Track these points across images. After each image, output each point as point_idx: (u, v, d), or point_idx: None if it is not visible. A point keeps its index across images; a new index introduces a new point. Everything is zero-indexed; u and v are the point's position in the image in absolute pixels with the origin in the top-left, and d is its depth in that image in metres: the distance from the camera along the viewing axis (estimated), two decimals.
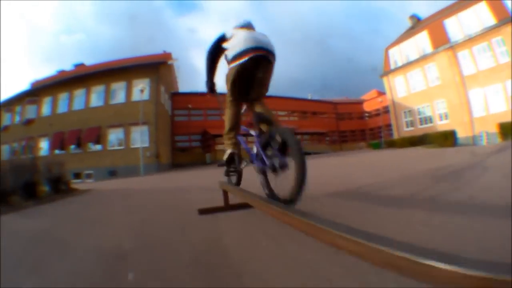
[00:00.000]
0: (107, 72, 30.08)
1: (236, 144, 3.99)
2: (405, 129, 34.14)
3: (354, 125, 50.52)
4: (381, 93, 46.32)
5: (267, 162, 3.19)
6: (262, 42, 3.62)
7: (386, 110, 40.87)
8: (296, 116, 47.43)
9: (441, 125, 28.87)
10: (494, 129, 23.34)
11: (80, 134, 29.07)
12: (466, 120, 26.96)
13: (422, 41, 31.94)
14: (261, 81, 3.72)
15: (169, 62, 35.56)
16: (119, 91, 29.72)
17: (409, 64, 33.24)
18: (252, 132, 3.77)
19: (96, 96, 30.10)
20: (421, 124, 32.16)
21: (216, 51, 4.03)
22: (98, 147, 29.09)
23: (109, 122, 28.66)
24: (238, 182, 4.26)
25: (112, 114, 28.54)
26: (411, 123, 33.56)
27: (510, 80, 23.91)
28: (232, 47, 3.65)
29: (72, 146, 29.40)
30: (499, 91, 25.07)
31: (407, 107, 33.79)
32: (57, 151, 29.25)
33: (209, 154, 38.71)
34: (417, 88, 32.59)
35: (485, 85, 25.92)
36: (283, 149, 2.95)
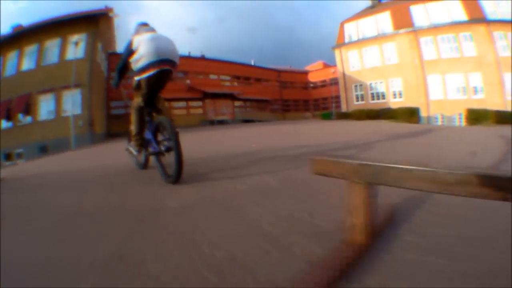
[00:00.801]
0: (42, 28, 26.42)
1: (142, 145, 4.84)
2: (355, 102, 36.04)
3: (298, 95, 51.78)
4: (328, 65, 48.15)
5: (157, 146, 4.28)
6: (168, 53, 4.20)
7: (332, 82, 42.59)
8: (240, 82, 47.21)
9: (395, 102, 31.18)
10: (450, 113, 26.21)
11: (10, 104, 25.58)
12: (423, 101, 29.41)
13: (383, 21, 33.90)
14: (163, 86, 4.50)
15: (110, 14, 31.92)
16: (52, 50, 26.30)
17: (366, 40, 35.04)
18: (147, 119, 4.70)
19: (28, 59, 26.46)
20: (373, 99, 34.21)
21: (125, 65, 4.73)
22: (28, 119, 25.80)
23: (40, 87, 25.50)
24: (146, 166, 5.27)
25: (43, 78, 25.27)
26: (362, 97, 35.49)
27: (473, 73, 26.79)
28: (139, 58, 4.09)
29: (3, 121, 25.77)
30: (460, 80, 27.77)
31: (358, 81, 35.67)
32: None
33: None
34: (372, 64, 34.52)
35: (445, 72, 28.56)
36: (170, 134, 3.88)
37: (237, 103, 44.23)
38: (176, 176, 3.72)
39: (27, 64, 26.00)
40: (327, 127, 16.23)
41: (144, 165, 5.26)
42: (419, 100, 29.47)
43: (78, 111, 23.33)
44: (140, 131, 4.82)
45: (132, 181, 4.61)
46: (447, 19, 28.95)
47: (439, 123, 28.12)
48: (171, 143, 3.83)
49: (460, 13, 28.49)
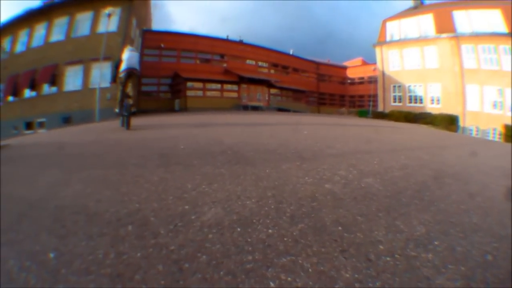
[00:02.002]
0: (74, 1, 27.69)
1: (122, 107, 11.59)
2: (392, 103, 37.13)
3: (335, 89, 52.65)
4: (366, 62, 49.08)
5: (126, 113, 11.27)
6: (131, 64, 11.32)
7: (371, 80, 43.59)
8: (277, 70, 48.11)
9: (432, 108, 32.21)
10: (485, 126, 27.48)
11: (35, 75, 26.77)
12: (460, 110, 30.48)
13: (425, 23, 34.71)
14: (132, 80, 11.69)
15: None
16: (84, 23, 27.64)
17: (407, 41, 35.94)
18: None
19: (57, 30, 27.81)
20: (410, 102, 35.35)
21: (117, 68, 11.80)
22: (53, 89, 27.05)
23: (68, 58, 26.62)
24: (128, 125, 11.21)
25: (72, 49, 26.56)
26: (399, 99, 36.61)
27: (510, 89, 27.62)
28: (123, 64, 11.28)
29: (27, 91, 27.16)
30: (496, 94, 28.84)
31: (397, 82, 36.66)
32: (11, 98, 27.04)
33: (179, 100, 37.47)
34: (412, 67, 35.49)
35: (484, 83, 29.51)
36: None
37: (273, 91, 45.20)
38: (126, 127, 11.05)
39: (56, 35, 27.47)
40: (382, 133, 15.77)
41: (122, 124, 11.79)
42: (456, 108, 30.39)
43: (106, 84, 23.80)
44: (120, 102, 11.54)
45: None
46: (488, 29, 29.66)
47: (474, 135, 29.34)
48: (127, 111, 11.24)
49: (500, 23, 29.16)
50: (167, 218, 3.00)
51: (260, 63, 45.89)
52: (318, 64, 51.69)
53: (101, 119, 21.71)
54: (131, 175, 4.61)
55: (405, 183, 4.88)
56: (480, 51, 29.84)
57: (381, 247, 2.80)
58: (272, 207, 3.50)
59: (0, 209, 3.23)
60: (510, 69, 27.77)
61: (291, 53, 50.86)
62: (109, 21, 25.09)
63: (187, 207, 3.32)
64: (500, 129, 26.37)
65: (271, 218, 3.19)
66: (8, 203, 3.55)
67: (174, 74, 38.24)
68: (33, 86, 26.32)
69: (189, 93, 37.16)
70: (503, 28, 28.59)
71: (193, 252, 2.44)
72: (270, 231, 2.87)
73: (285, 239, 2.74)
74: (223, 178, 4.55)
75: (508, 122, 25.44)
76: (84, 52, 25.41)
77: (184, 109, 34.78)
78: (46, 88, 26.48)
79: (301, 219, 3.23)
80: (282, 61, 48.26)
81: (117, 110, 11.94)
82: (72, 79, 26.09)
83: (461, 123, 29.59)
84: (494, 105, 29.13)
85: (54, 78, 26.02)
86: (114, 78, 11.89)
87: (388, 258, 2.62)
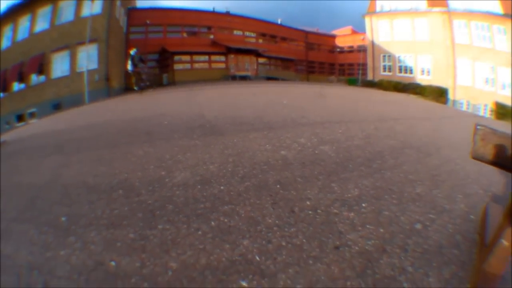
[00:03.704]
0: None
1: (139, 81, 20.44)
2: (382, 73, 37.27)
3: (324, 58, 52.40)
4: (356, 32, 48.94)
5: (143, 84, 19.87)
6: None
7: (360, 49, 43.62)
8: (265, 39, 47.84)
9: (422, 79, 32.34)
10: (476, 101, 27.76)
11: (22, 67, 26.08)
12: (450, 83, 30.61)
13: None
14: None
15: None
16: (67, 9, 26.56)
17: (398, 12, 35.80)
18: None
19: (41, 20, 25.95)
20: (400, 72, 35.47)
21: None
22: (41, 78, 26.12)
23: (54, 46, 25.99)
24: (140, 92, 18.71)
25: (57, 36, 25.72)
26: (389, 68, 36.72)
27: (503, 67, 27.58)
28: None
29: (15, 84, 26.48)
30: (489, 71, 28.93)
31: (387, 52, 36.68)
32: (0, 95, 26.64)
33: (167, 75, 37.49)
34: (402, 38, 35.48)
35: (476, 59, 29.54)
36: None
37: (261, 60, 45.00)
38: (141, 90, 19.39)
39: (40, 25, 26.44)
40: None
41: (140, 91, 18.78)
42: (447, 81, 30.48)
43: (94, 66, 24.88)
44: (139, 79, 20.14)
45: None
46: (482, 7, 29.30)
47: (464, 109, 29.43)
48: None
49: (496, 4, 28.83)
50: (147, 182, 3.83)
51: (247, 33, 45.53)
52: (306, 33, 51.29)
53: (90, 101, 22.04)
54: (120, 152, 5.54)
55: (360, 151, 5.29)
56: (473, 27, 29.80)
57: (308, 203, 3.34)
58: (229, 169, 4.31)
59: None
60: (504, 49, 27.69)
61: (279, 22, 50.50)
62: (93, 4, 24.86)
63: (163, 173, 4.21)
64: (491, 106, 26.66)
65: (225, 178, 4.10)
66: (20, 191, 4.40)
67: (161, 49, 38.00)
68: (21, 78, 26.09)
69: (177, 66, 37.10)
70: (498, 9, 28.45)
71: (163, 203, 3.49)
72: (222, 187, 3.77)
73: (231, 193, 3.60)
74: (196, 148, 5.37)
75: (500, 100, 25.72)
76: (70, 37, 24.97)
77: (172, 83, 34.93)
78: (34, 78, 26.25)
79: (249, 179, 4.00)
80: (270, 31, 47.84)
81: (136, 88, 20.56)
82: (59, 65, 25.70)
83: (451, 96, 29.84)
84: (486, 82, 29.21)
85: (42, 67, 25.76)
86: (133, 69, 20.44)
87: (310, 212, 3.17)
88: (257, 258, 2.58)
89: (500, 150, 2.00)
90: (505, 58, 27.74)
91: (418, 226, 3.20)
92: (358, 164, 4.68)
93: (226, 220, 3.10)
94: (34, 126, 14.19)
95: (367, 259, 2.64)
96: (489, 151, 2.01)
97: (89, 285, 2.34)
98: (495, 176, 4.88)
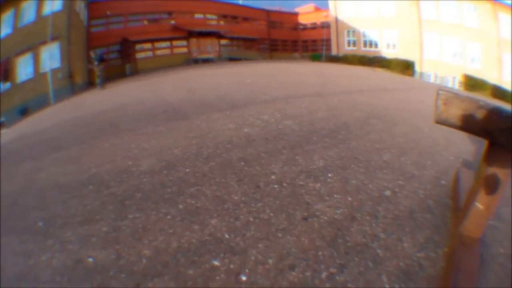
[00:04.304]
0: None
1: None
2: (346, 47, 37.47)
3: (287, 35, 52.34)
4: (319, 8, 48.95)
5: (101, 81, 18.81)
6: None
7: (324, 26, 43.72)
8: (226, 21, 47.56)
9: (388, 53, 32.60)
10: (444, 74, 28.12)
11: None
12: (417, 57, 30.90)
13: None
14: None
15: None
16: (29, 10, 25.31)
17: None
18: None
19: (5, 26, 26.00)
20: (365, 46, 35.69)
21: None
22: (7, 85, 25.85)
23: (18, 49, 25.51)
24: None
25: (21, 39, 25.01)
26: (353, 43, 36.92)
27: (473, 42, 27.93)
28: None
29: None
30: (457, 46, 29.20)
31: (351, 27, 36.90)
32: None
33: (129, 65, 36.95)
34: (367, 14, 35.61)
35: (443, 34, 29.84)
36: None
37: (223, 42, 44.92)
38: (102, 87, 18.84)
39: (3, 31, 26.08)
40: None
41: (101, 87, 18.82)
42: (413, 55, 30.77)
43: (57, 64, 24.18)
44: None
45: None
46: None
47: (432, 81, 29.68)
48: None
49: None
50: (115, 174, 3.80)
51: (209, 16, 45.24)
52: (268, 12, 51.32)
53: (56, 101, 21.60)
54: (88, 147, 5.36)
55: (324, 124, 5.31)
56: (441, 4, 29.91)
57: (273, 177, 3.33)
58: (193, 152, 4.30)
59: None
60: (473, 26, 27.87)
61: (240, 3, 50.28)
62: (54, 1, 24.12)
63: (130, 162, 4.19)
64: (460, 78, 27.00)
65: (190, 160, 4.09)
66: None
67: (122, 40, 37.41)
68: None
69: (139, 55, 36.62)
70: None
71: (132, 193, 3.48)
72: (187, 170, 3.70)
73: (196, 174, 3.56)
74: (160, 134, 5.37)
75: (469, 73, 26.04)
76: (32, 38, 24.33)
77: (135, 72, 34.43)
78: (1, 86, 25.46)
79: (213, 158, 3.97)
80: (231, 12, 47.61)
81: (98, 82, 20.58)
82: (23, 68, 24.94)
83: (418, 69, 30.10)
84: (455, 55, 29.42)
85: (6, 73, 25.03)
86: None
87: (275, 186, 3.16)
88: (226, 236, 2.57)
89: (464, 113, 1.98)
90: (474, 34, 28.13)
91: (387, 193, 3.22)
92: (323, 136, 4.71)
93: (193, 201, 3.09)
94: (4, 135, 14.01)
95: (337, 228, 2.64)
96: (452, 115, 1.99)
97: (71, 285, 2.29)
98: (465, 143, 4.97)
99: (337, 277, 2.23)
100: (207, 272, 2.21)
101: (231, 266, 2.25)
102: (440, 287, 2.31)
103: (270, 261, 2.31)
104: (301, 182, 3.26)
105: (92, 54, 22.59)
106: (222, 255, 2.37)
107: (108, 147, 5.26)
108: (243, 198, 3.04)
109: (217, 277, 2.16)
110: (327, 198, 3.02)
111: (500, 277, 2.58)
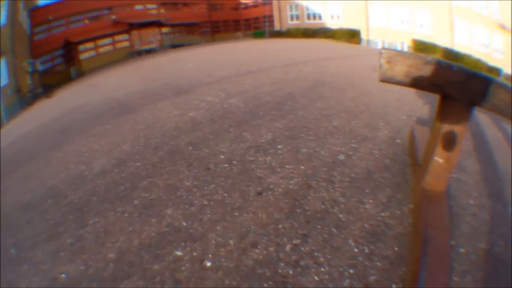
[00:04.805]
0: None
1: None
2: (290, 22, 37.54)
3: (228, 16, 52.01)
4: None
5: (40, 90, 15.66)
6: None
7: (265, 2, 43.63)
8: (167, 8, 46.99)
9: (332, 24, 32.84)
10: (392, 40, 28.50)
11: None
12: (363, 26, 31.20)
13: None
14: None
15: None
16: None
17: None
18: None
19: None
20: (309, 19, 35.83)
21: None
22: None
23: None
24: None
25: None
26: (297, 17, 37.01)
27: (422, 9, 28.24)
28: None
29: None
30: (406, 13, 29.57)
31: (293, 1, 37.00)
32: None
33: (74, 67, 36.17)
34: None
35: (390, 5, 30.11)
36: None
37: (164, 30, 44.48)
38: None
39: None
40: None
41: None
42: (359, 24, 31.03)
43: (5, 81, 23.15)
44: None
45: None
46: None
47: (379, 47, 29.91)
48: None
49: None
50: (71, 182, 3.64)
51: (149, 6, 44.62)
52: None
53: (8, 119, 20.98)
54: (42, 160, 5.15)
55: (269, 97, 5.29)
56: None
57: (222, 157, 3.27)
58: (142, 144, 4.18)
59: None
60: None
61: None
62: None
63: (83, 167, 4.04)
64: (409, 43, 27.31)
65: (139, 153, 3.97)
66: None
67: (64, 43, 36.47)
68: None
69: (83, 56, 35.85)
70: None
71: (88, 197, 3.35)
72: (137, 163, 3.60)
73: (147, 167, 3.43)
74: (109, 132, 5.20)
75: (419, 38, 26.32)
76: None
77: (80, 74, 33.72)
78: None
79: (161, 148, 3.87)
80: None
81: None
82: None
83: (364, 37, 30.34)
84: (402, 22, 29.66)
85: None
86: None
87: (225, 165, 3.11)
88: (184, 223, 2.52)
89: (410, 69, 1.97)
90: (423, 2, 28.11)
91: (341, 157, 3.22)
92: (269, 109, 4.68)
93: (147, 195, 3.01)
94: None
95: (294, 199, 2.62)
96: (398, 73, 1.97)
97: None
98: (417, 101, 5.00)
99: (302, 248, 2.22)
100: (171, 264, 2.17)
101: (194, 254, 2.21)
102: (412, 243, 2.30)
103: (231, 242, 2.28)
104: (251, 158, 3.22)
105: (26, 64, 22.00)
106: (183, 244, 2.32)
107: (61, 155, 5.07)
108: (195, 183, 2.97)
109: (183, 267, 2.12)
110: (279, 170, 3.00)
111: (475, 227, 2.61)
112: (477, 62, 20.25)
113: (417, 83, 1.97)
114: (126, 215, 2.83)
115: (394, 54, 1.97)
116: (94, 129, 5.72)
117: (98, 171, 3.87)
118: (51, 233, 2.94)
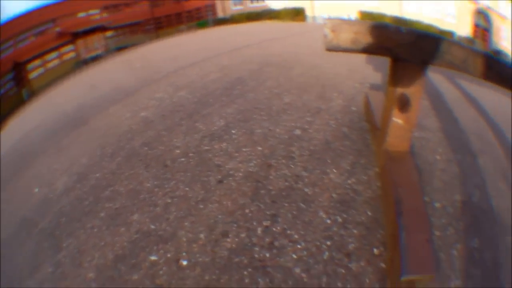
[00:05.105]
0: None
1: None
2: (233, 8, 37.40)
3: (170, 10, 51.37)
4: None
5: None
6: None
7: None
8: (109, 11, 46.07)
9: (276, 4, 32.79)
10: (338, 14, 28.68)
11: None
12: (308, 3, 31.25)
13: None
14: None
15: None
16: None
17: None
18: None
19: None
20: (252, 3, 35.76)
21: None
22: None
23: None
24: None
25: None
26: (240, 2, 36.90)
27: None
28: None
29: None
30: None
31: None
32: None
33: (25, 88, 35.20)
34: None
35: None
36: None
37: (109, 34, 43.92)
38: None
39: None
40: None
41: None
42: (304, 3, 31.15)
43: None
44: None
45: None
46: None
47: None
48: None
49: None
50: (37, 208, 3.59)
51: (92, 12, 43.79)
52: None
53: None
54: (6, 193, 5.00)
55: (217, 84, 5.23)
56: None
57: (177, 151, 3.22)
58: (99, 154, 4.05)
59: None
60: None
61: None
62: None
63: (46, 190, 3.89)
64: (356, 15, 27.46)
65: (97, 164, 3.82)
66: None
67: (13, 64, 35.47)
68: None
69: (32, 75, 34.95)
70: None
71: (57, 220, 3.09)
72: (97, 175, 3.46)
73: (107, 176, 3.33)
74: (66, 148, 5.01)
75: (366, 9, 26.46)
76: None
77: (32, 94, 32.92)
78: None
79: (118, 153, 3.77)
80: (111, 1, 46.46)
81: None
82: None
83: (310, 13, 30.45)
84: None
85: None
86: None
87: (182, 159, 3.06)
88: (152, 226, 2.46)
89: (356, 36, 1.97)
90: None
91: (297, 132, 3.23)
92: (218, 96, 4.64)
93: (111, 204, 2.91)
94: None
95: (256, 181, 2.61)
96: (344, 40, 1.97)
97: None
98: (368, 68, 5.12)
99: (274, 229, 2.22)
100: (149, 270, 2.12)
101: (168, 255, 2.16)
102: (385, 206, 2.32)
103: (202, 235, 2.24)
104: (206, 147, 3.19)
105: None
106: (155, 247, 2.27)
107: (25, 181, 4.90)
108: (155, 183, 2.91)
109: (161, 272, 2.07)
110: (236, 154, 2.98)
111: (446, 181, 2.67)
112: (429, 27, 20.39)
113: (366, 49, 1.96)
114: (95, 230, 2.71)
115: (338, 23, 1.96)
116: (51, 148, 5.52)
117: (62, 191, 3.72)
118: (32, 266, 2.79)
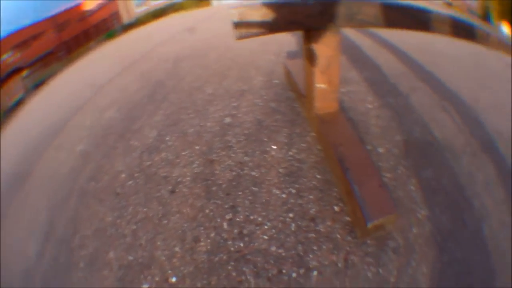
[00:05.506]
0: None
1: None
2: (137, 10, 36.52)
3: (77, 29, 49.44)
4: None
5: None
6: None
7: (109, 0, 42.05)
8: (20, 49, 43.84)
9: None
10: None
11: None
12: None
13: None
14: None
15: None
16: None
17: None
18: None
19: None
20: (155, 0, 35.06)
21: None
22: None
23: None
24: None
25: None
26: (143, 3, 36.06)
27: None
28: None
29: None
30: None
31: None
32: None
33: None
34: None
35: None
36: None
37: (25, 73, 42.15)
38: None
39: None
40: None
41: None
42: None
43: None
44: None
45: None
46: None
47: (231, 2, 29.53)
48: None
49: None
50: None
51: (4, 57, 41.67)
52: (53, 17, 48.26)
53: None
54: None
55: (140, 93, 5.02)
56: None
57: (123, 175, 3.15)
58: (52, 204, 3.85)
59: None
60: None
61: (26, 23, 46.88)
62: None
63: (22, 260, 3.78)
64: None
65: (56, 215, 3.45)
66: None
67: None
68: None
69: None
70: None
71: None
72: (60, 226, 3.31)
73: (68, 224, 3.19)
74: (23, 212, 4.80)
75: None
76: None
77: None
78: None
79: (70, 198, 3.54)
80: (19, 38, 44.16)
81: None
82: None
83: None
84: None
85: None
86: None
87: (130, 182, 3.01)
88: (130, 257, 2.41)
89: (264, 19, 2.04)
90: None
91: (228, 120, 3.29)
92: (144, 106, 4.47)
93: (85, 252, 2.77)
94: None
95: (204, 180, 2.67)
96: (252, 26, 2.02)
97: None
98: (281, 37, 5.09)
99: (237, 219, 2.31)
100: None
101: (157, 279, 2.18)
102: (331, 165, 2.43)
103: (177, 248, 2.29)
104: (148, 163, 3.15)
105: None
106: (142, 276, 2.27)
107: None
108: (115, 214, 2.79)
109: None
110: (178, 160, 3.00)
111: (383, 126, 2.82)
112: None
113: (277, 28, 2.03)
114: (83, 281, 2.51)
115: (243, 11, 2.00)
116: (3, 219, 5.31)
117: (36, 257, 3.57)
118: None
